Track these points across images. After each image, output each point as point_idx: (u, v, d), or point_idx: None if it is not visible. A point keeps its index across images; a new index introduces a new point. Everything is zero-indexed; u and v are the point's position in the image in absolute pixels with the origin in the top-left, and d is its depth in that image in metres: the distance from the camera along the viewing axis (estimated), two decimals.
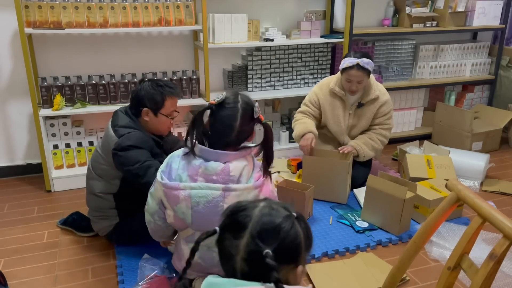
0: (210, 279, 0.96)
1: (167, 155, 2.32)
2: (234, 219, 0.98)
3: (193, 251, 1.03)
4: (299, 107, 3.15)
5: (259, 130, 1.79)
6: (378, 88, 2.91)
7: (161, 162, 2.19)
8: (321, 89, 3.02)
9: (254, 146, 1.71)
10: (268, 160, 1.69)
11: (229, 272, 0.97)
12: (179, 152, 1.74)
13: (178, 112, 2.33)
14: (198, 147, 1.66)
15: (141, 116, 2.22)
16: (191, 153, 1.68)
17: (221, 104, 1.64)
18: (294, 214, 0.99)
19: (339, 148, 2.86)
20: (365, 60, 2.72)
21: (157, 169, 2.02)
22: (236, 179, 1.63)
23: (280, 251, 0.93)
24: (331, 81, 2.99)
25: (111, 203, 2.27)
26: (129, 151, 2.09)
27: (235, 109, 1.63)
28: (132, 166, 2.08)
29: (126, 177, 2.18)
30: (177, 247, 1.90)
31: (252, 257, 0.93)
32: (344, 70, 2.77)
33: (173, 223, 1.76)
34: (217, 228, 0.99)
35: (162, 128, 2.28)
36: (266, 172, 1.70)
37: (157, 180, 1.72)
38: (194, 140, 1.67)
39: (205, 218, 1.64)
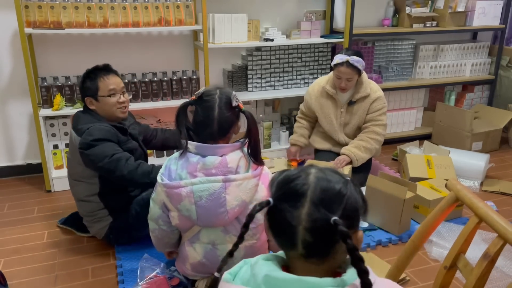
0: (273, 273, 0.86)
1: (135, 140, 2.33)
2: (290, 188, 0.89)
3: (241, 235, 0.95)
4: (299, 107, 3.26)
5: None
6: (370, 86, 2.93)
7: (130, 148, 2.23)
8: (313, 88, 3.08)
9: (245, 138, 1.74)
10: (253, 148, 1.71)
11: (288, 243, 0.89)
12: (176, 154, 1.77)
13: (124, 91, 2.30)
14: (193, 144, 1.69)
15: (89, 107, 2.25)
16: (186, 152, 1.70)
17: (200, 98, 1.72)
18: (348, 178, 0.93)
19: (334, 163, 2.87)
20: (355, 58, 2.74)
21: (127, 160, 2.07)
22: (234, 170, 1.67)
23: (345, 217, 0.87)
24: (323, 80, 3.04)
25: (99, 204, 2.27)
26: (95, 148, 2.09)
27: (213, 100, 1.70)
28: (101, 162, 2.09)
29: (101, 173, 2.19)
30: (181, 250, 1.90)
31: (317, 225, 0.86)
32: (335, 66, 2.82)
33: (178, 224, 1.77)
34: (271, 199, 0.90)
35: (112, 110, 2.25)
36: (258, 161, 1.73)
37: (158, 183, 1.73)
38: (183, 140, 1.71)
39: (209, 212, 1.66)
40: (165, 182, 1.68)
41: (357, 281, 0.82)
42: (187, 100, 1.75)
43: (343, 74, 2.78)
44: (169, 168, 1.73)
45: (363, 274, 0.81)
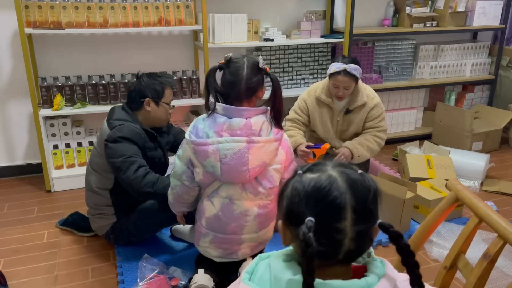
0: (298, 278, 0.82)
1: (162, 149, 2.39)
2: (328, 202, 0.83)
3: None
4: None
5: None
6: (366, 93, 2.85)
7: (154, 156, 2.31)
8: (309, 95, 2.96)
9: (269, 101, 1.86)
10: (276, 111, 1.84)
11: (327, 256, 0.84)
12: (203, 115, 1.87)
13: (173, 106, 2.42)
14: (221, 106, 1.79)
15: (143, 107, 2.28)
16: (213, 113, 1.81)
17: (229, 61, 1.83)
18: (360, 171, 0.90)
19: (336, 158, 2.78)
20: (353, 66, 2.65)
21: (140, 167, 2.12)
22: (257, 132, 1.79)
23: (378, 214, 0.87)
24: (317, 88, 2.93)
25: (107, 199, 2.29)
26: (118, 143, 2.13)
27: (242, 61, 1.82)
28: (116, 159, 2.12)
29: (111, 169, 2.20)
30: (199, 207, 1.97)
31: (363, 233, 0.84)
32: (331, 75, 2.71)
33: (202, 179, 1.85)
34: (312, 219, 0.81)
35: (162, 118, 2.35)
36: (279, 125, 1.86)
37: (185, 140, 1.83)
38: (211, 101, 1.82)
39: (232, 169, 1.77)
40: (193, 139, 1.78)
41: (388, 276, 0.85)
42: (217, 64, 1.85)
43: (341, 83, 2.69)
44: (197, 127, 1.83)
45: (414, 268, 0.83)
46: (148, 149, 2.25)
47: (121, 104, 2.37)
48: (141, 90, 2.27)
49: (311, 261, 0.77)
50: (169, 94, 2.33)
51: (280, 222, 0.91)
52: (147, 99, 2.27)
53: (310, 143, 2.82)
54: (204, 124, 1.82)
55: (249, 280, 0.90)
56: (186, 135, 1.82)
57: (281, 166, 1.88)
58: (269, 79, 1.84)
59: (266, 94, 1.89)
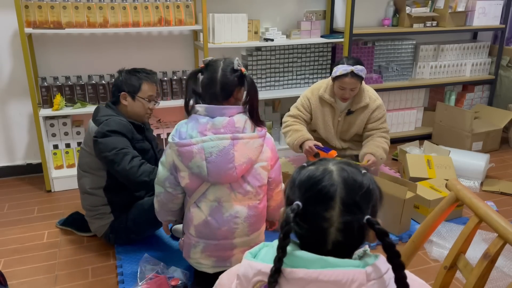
0: (295, 252, 0.87)
1: (149, 141, 2.40)
2: (318, 190, 0.88)
3: (287, 233, 0.86)
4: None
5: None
6: (368, 95, 2.86)
7: (143, 148, 2.31)
8: (312, 93, 2.96)
9: (245, 102, 1.87)
10: (251, 112, 1.84)
11: (316, 242, 0.89)
12: (185, 120, 1.88)
13: (157, 101, 2.42)
14: (203, 107, 1.81)
15: (120, 101, 2.30)
16: (194, 115, 1.82)
17: (207, 65, 1.87)
18: (364, 170, 0.93)
19: (366, 162, 2.74)
20: (359, 67, 2.67)
21: (133, 157, 2.14)
22: (241, 130, 1.79)
23: (372, 213, 0.89)
24: (321, 87, 2.94)
25: (102, 198, 2.30)
26: (108, 137, 2.15)
27: (218, 64, 1.86)
28: (108, 152, 2.13)
29: (104, 164, 2.21)
30: (186, 215, 1.94)
31: (350, 226, 0.87)
32: (337, 77, 2.71)
33: (188, 184, 1.83)
34: (299, 203, 0.87)
35: (141, 112, 2.35)
36: (260, 123, 1.87)
37: (169, 144, 1.82)
38: (190, 102, 1.85)
39: (219, 167, 1.76)
40: (177, 141, 1.77)
41: (378, 263, 0.86)
42: (198, 68, 1.88)
43: (348, 85, 2.70)
44: (179, 131, 1.83)
45: (399, 268, 0.83)
46: (136, 141, 2.27)
47: (104, 103, 2.41)
48: (118, 85, 2.31)
49: (286, 238, 0.84)
50: (147, 89, 2.32)
51: (282, 208, 0.96)
52: (123, 93, 2.29)
53: (320, 144, 2.80)
54: (186, 127, 1.82)
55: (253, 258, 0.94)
56: (169, 139, 1.81)
57: (267, 163, 1.86)
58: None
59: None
